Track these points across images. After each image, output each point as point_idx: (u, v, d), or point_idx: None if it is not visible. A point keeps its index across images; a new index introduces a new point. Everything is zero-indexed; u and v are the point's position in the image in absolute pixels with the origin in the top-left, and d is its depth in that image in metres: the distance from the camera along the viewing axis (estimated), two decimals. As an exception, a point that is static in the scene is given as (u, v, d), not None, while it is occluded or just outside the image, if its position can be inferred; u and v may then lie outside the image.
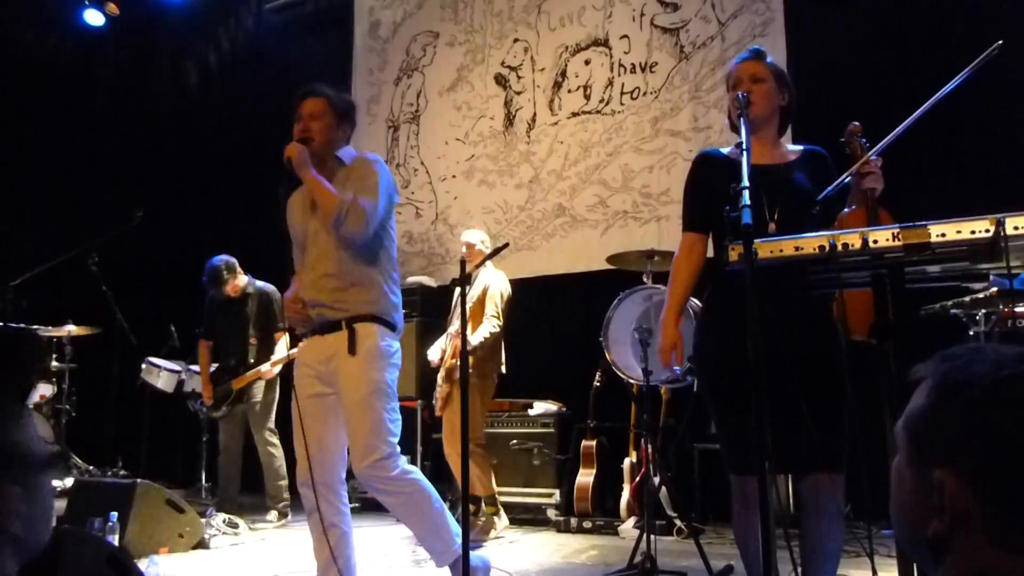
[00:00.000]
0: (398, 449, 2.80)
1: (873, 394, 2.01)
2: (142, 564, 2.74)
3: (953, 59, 5.06)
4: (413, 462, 5.55)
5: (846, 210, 2.26)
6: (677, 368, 2.46)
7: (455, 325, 4.87)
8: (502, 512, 4.94)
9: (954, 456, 0.86)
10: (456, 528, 2.85)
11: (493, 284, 4.90)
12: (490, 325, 4.78)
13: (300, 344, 3.04)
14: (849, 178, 2.22)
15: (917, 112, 2.12)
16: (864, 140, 2.30)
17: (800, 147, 2.56)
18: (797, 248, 1.79)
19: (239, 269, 5.46)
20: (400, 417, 2.85)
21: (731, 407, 2.32)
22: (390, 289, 2.88)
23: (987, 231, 1.64)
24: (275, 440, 5.37)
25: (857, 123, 2.34)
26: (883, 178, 2.22)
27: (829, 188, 2.21)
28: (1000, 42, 2.02)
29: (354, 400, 2.75)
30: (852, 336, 2.19)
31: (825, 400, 2.22)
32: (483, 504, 4.85)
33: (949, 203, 2.11)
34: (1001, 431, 0.84)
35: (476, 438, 4.86)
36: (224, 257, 5.43)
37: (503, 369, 5.00)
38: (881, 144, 2.21)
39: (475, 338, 4.69)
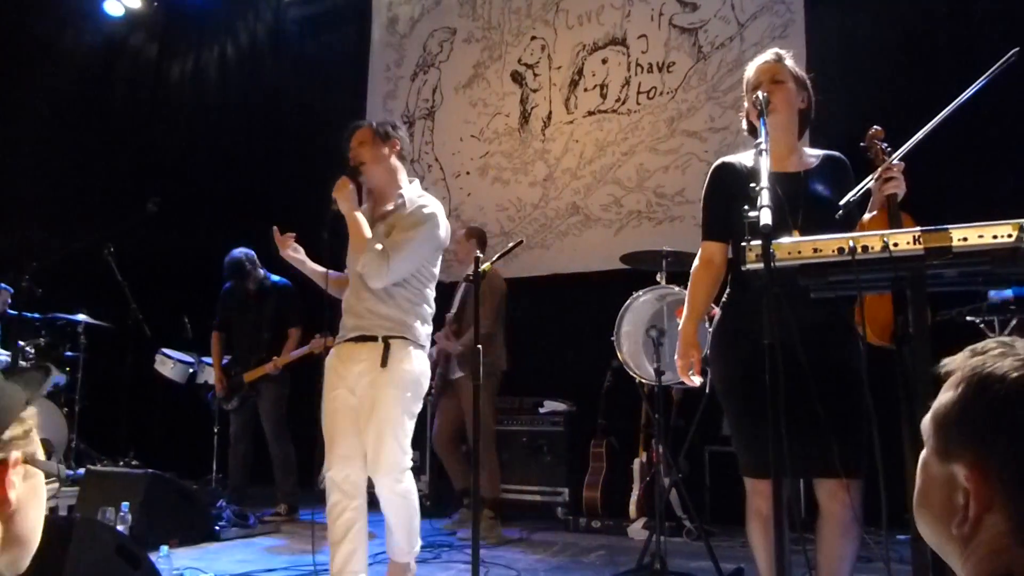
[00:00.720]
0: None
1: (891, 400, 1.99)
2: (152, 554, 2.75)
3: (974, 62, 5.00)
4: (422, 460, 5.57)
5: (867, 216, 2.24)
6: (696, 379, 2.45)
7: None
8: (498, 523, 4.78)
9: (980, 451, 0.86)
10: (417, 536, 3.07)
11: (489, 282, 4.90)
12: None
13: (332, 346, 3.22)
14: (871, 183, 2.20)
15: (937, 117, 2.10)
16: (885, 144, 2.28)
17: (819, 152, 2.53)
18: (816, 250, 1.78)
19: (258, 263, 5.48)
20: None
21: (747, 410, 2.30)
22: (421, 312, 3.09)
23: (1009, 236, 1.63)
24: (287, 434, 5.38)
25: (878, 127, 2.32)
26: (904, 183, 2.20)
27: (851, 193, 2.19)
28: (1017, 48, 1.99)
29: (381, 414, 2.91)
30: (873, 342, 2.18)
31: (842, 405, 2.20)
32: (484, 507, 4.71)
33: (972, 207, 2.09)
34: None
35: (492, 435, 4.88)
36: (244, 250, 5.45)
37: (504, 366, 5.01)
38: (902, 149, 2.19)
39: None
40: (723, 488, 4.86)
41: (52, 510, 3.94)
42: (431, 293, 3.16)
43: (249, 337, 5.44)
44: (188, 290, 6.98)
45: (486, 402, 4.80)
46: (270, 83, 7.99)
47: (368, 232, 3.03)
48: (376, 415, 2.90)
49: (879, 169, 2.19)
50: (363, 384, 2.97)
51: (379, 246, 2.98)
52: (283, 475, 5.34)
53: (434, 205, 3.12)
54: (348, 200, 3.07)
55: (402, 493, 2.94)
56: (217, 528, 4.42)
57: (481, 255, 4.80)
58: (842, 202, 2.16)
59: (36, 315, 6.44)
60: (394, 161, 3.18)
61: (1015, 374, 0.85)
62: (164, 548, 3.22)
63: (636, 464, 4.96)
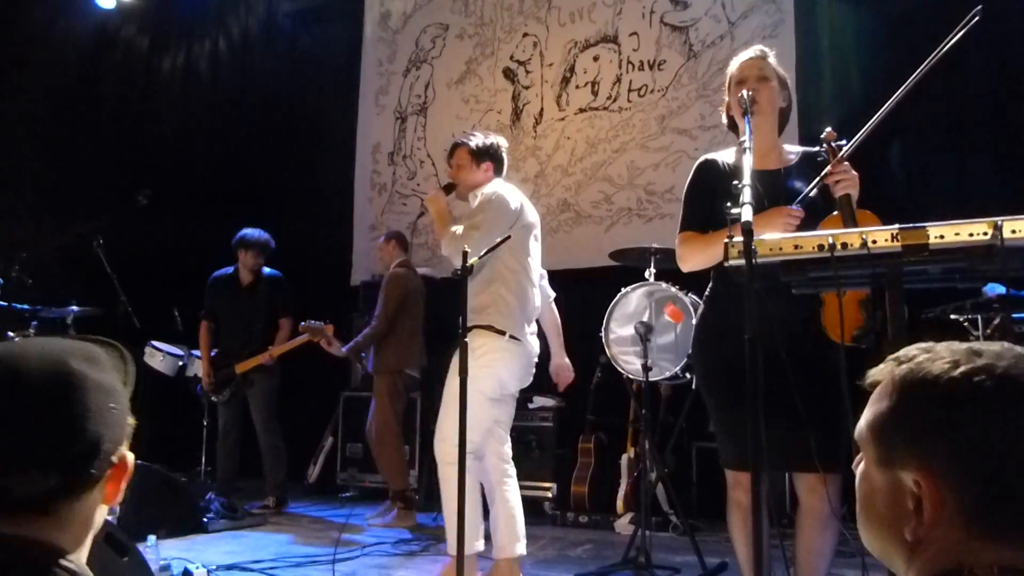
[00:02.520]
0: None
1: (866, 397, 2.02)
2: (140, 544, 2.77)
3: (964, 62, 5.05)
4: (413, 452, 5.59)
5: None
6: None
7: None
8: (413, 511, 5.00)
9: (925, 456, 0.88)
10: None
11: (387, 282, 5.16)
12: (368, 328, 5.07)
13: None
14: (822, 185, 2.23)
15: (887, 104, 2.12)
16: (841, 142, 2.29)
17: (798, 148, 2.56)
18: (796, 247, 1.81)
19: (267, 254, 5.49)
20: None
21: (727, 403, 2.33)
22: (503, 301, 3.29)
23: (985, 234, 1.66)
24: (277, 427, 5.39)
25: (830, 129, 2.33)
26: (856, 181, 2.21)
27: (801, 196, 2.23)
28: (979, 7, 2.02)
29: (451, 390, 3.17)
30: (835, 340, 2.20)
31: (822, 400, 2.23)
32: (396, 498, 4.98)
33: (949, 206, 2.12)
34: (967, 427, 0.86)
35: (390, 433, 5.05)
36: (265, 232, 5.45)
37: (417, 364, 5.24)
38: (848, 146, 2.21)
39: (350, 343, 5.06)
40: (709, 484, 4.90)
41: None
42: (513, 279, 3.31)
43: (241, 328, 5.42)
44: (178, 283, 6.98)
45: (384, 400, 5.05)
46: (262, 77, 7.98)
47: (448, 225, 3.36)
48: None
49: (823, 172, 2.22)
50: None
51: (454, 229, 3.31)
52: (273, 468, 5.35)
53: (497, 190, 3.36)
54: (435, 205, 3.47)
55: (447, 473, 3.15)
56: (205, 520, 4.43)
57: (405, 257, 5.23)
58: (795, 203, 2.19)
59: (25, 306, 6.43)
60: (488, 175, 3.48)
61: (947, 376, 0.88)
62: (151, 538, 3.24)
63: (624, 459, 5.00)
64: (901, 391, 0.91)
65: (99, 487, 0.97)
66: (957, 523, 0.86)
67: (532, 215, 3.48)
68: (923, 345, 0.93)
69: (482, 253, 3.00)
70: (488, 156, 3.49)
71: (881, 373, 0.95)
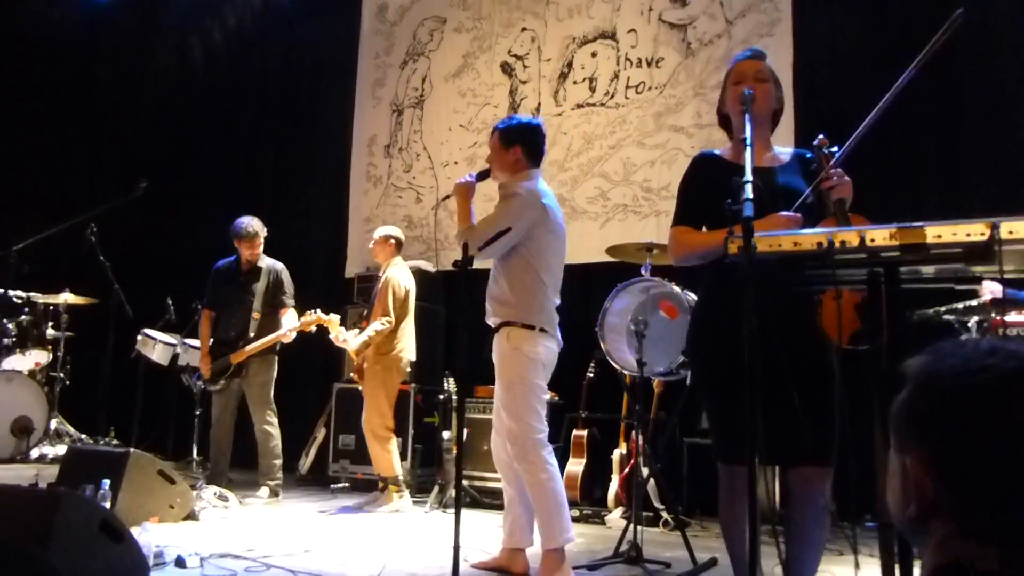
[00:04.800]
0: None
1: (860, 395, 2.04)
2: (134, 531, 2.77)
3: (962, 60, 5.09)
4: (404, 444, 5.61)
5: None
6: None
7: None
8: (405, 492, 5.16)
9: (920, 446, 0.91)
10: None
11: (391, 280, 5.19)
12: (377, 323, 5.10)
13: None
14: (818, 192, 2.25)
15: (875, 110, 2.14)
16: (833, 149, 2.31)
17: (789, 150, 2.59)
18: (795, 243, 1.82)
19: (262, 239, 5.47)
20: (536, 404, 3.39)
21: (723, 396, 2.35)
22: (532, 297, 3.38)
23: (982, 235, 1.67)
24: (273, 419, 5.38)
25: (823, 136, 2.36)
26: (849, 186, 2.24)
27: (798, 202, 2.25)
28: (961, 9, 2.04)
29: (500, 386, 3.40)
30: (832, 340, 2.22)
31: (816, 394, 2.25)
32: (387, 483, 5.11)
33: (947, 206, 2.14)
34: (962, 423, 0.88)
35: (382, 424, 5.11)
36: (255, 218, 5.44)
37: (412, 357, 5.30)
38: (840, 153, 2.24)
39: (360, 337, 5.11)
40: (700, 480, 4.93)
41: (32, 485, 3.94)
42: (538, 277, 3.39)
43: (239, 317, 5.41)
44: (172, 272, 6.97)
45: (380, 390, 5.13)
46: (258, 68, 7.96)
47: (470, 218, 3.46)
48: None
49: (817, 179, 2.24)
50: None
51: (472, 223, 3.42)
52: (267, 459, 5.33)
53: (523, 189, 3.41)
54: (460, 195, 3.50)
55: (530, 464, 3.32)
56: (197, 509, 4.44)
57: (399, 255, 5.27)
58: (792, 208, 2.21)
59: (19, 293, 6.41)
60: (516, 157, 3.50)
61: (954, 375, 0.89)
62: (145, 524, 3.24)
63: (616, 455, 5.02)
64: (914, 383, 0.94)
65: None
66: (950, 518, 0.88)
67: (558, 217, 3.50)
68: (958, 341, 0.95)
69: (480, 246, 3.04)
70: (517, 139, 3.50)
71: (914, 362, 0.97)
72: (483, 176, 3.56)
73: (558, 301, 3.51)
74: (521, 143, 3.49)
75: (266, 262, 5.51)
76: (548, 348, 3.40)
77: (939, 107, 4.91)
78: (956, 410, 0.88)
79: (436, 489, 5.25)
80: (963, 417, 0.88)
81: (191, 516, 4.38)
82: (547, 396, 3.80)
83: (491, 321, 3.47)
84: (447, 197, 3.64)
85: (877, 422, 1.91)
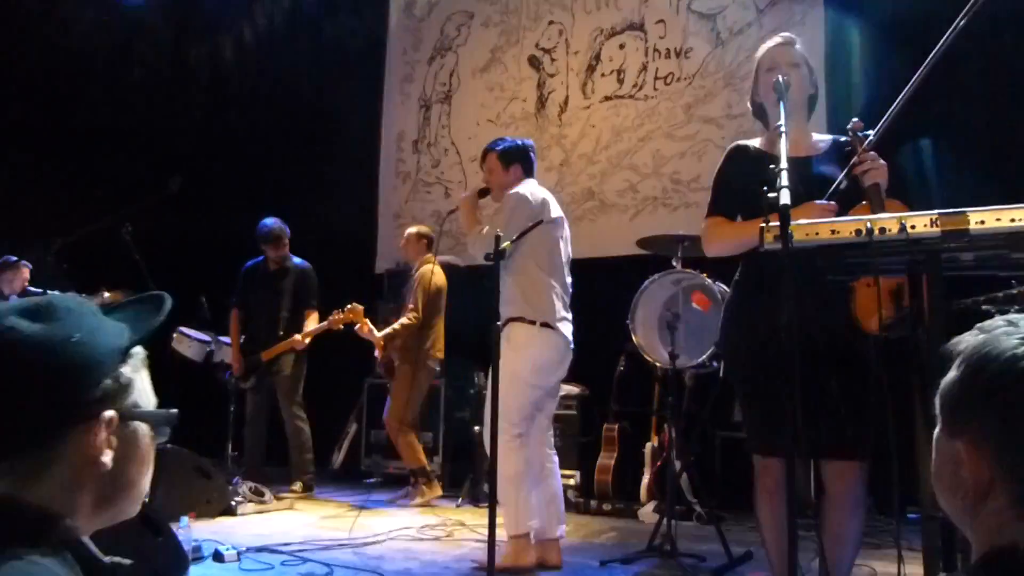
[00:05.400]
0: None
1: (902, 386, 2.01)
2: (172, 526, 2.81)
3: (994, 44, 4.97)
4: (436, 439, 5.63)
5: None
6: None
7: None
8: (435, 484, 5.24)
9: (975, 427, 0.88)
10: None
11: (422, 277, 5.26)
12: (404, 318, 5.19)
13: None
14: (851, 175, 2.21)
15: (908, 87, 2.10)
16: (867, 132, 2.27)
17: (828, 137, 2.55)
18: (833, 231, 1.79)
19: (287, 239, 5.53)
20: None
21: (759, 389, 2.32)
22: (534, 292, 3.49)
23: (1027, 220, 1.64)
24: (303, 414, 5.44)
25: (857, 120, 2.31)
26: (884, 170, 2.20)
27: (832, 187, 2.21)
28: None
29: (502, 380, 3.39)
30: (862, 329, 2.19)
31: (852, 387, 2.22)
32: (417, 476, 5.19)
33: (989, 191, 2.09)
34: (1020, 404, 0.85)
35: (406, 419, 5.19)
36: (277, 220, 5.50)
37: (439, 356, 5.38)
38: (874, 134, 2.19)
39: (385, 330, 5.18)
40: (733, 473, 4.88)
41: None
42: (541, 271, 3.50)
43: (268, 315, 5.47)
44: (206, 270, 7.04)
45: (404, 385, 5.21)
46: (287, 66, 8.01)
47: (475, 225, 3.62)
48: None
49: (850, 164, 2.20)
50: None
51: (479, 228, 3.57)
52: (299, 454, 5.40)
53: (519, 190, 3.55)
54: (464, 207, 3.71)
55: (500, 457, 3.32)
56: (233, 503, 4.49)
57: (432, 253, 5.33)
58: (826, 196, 2.18)
59: (57, 292, 6.51)
60: (517, 176, 3.68)
61: (1012, 351, 0.86)
62: (184, 520, 3.28)
63: (648, 448, 4.99)
64: (968, 361, 0.91)
65: (65, 448, 0.90)
66: (1003, 502, 0.86)
67: (557, 211, 3.62)
68: (1010, 317, 0.93)
69: (514, 237, 3.09)
70: (517, 159, 3.71)
71: (963, 341, 0.94)
72: (483, 194, 3.75)
73: (567, 298, 3.60)
74: (519, 162, 3.71)
75: (293, 262, 5.56)
76: (551, 343, 3.47)
77: (981, 83, 4.79)
78: (1017, 389, 0.85)
79: (468, 483, 5.26)
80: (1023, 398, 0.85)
81: (227, 511, 4.44)
82: (562, 390, 3.92)
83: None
84: (453, 211, 3.84)
85: (919, 412, 1.88)
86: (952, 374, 0.93)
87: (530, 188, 3.60)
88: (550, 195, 3.67)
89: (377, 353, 5.36)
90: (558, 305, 3.51)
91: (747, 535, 4.15)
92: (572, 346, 3.58)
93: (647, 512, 4.77)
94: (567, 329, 3.54)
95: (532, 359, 3.43)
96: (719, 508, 4.76)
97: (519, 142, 3.81)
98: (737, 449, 4.75)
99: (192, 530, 3.37)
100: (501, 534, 3.19)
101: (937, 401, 0.95)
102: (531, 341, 3.43)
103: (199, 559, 3.32)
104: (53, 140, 7.79)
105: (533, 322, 3.44)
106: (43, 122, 7.73)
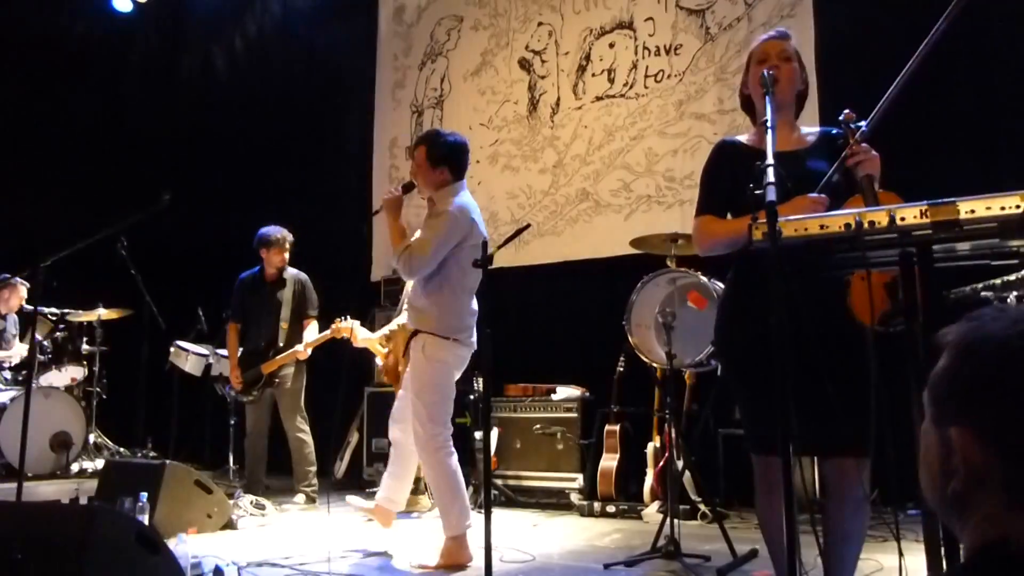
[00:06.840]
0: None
1: (900, 379, 1.98)
2: (171, 542, 2.78)
3: (985, 39, 4.96)
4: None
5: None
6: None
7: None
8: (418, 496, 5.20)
9: (969, 414, 0.86)
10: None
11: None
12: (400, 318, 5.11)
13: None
14: (843, 167, 2.18)
15: (901, 75, 2.07)
16: (860, 123, 2.24)
17: (816, 129, 2.52)
18: (822, 226, 1.77)
19: (289, 245, 5.50)
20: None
21: (755, 387, 2.29)
22: (450, 309, 3.61)
23: (1017, 207, 1.61)
24: (305, 426, 5.41)
25: (849, 111, 2.28)
26: (877, 161, 2.17)
27: (823, 180, 2.19)
28: None
29: (412, 389, 3.67)
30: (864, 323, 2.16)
31: (850, 382, 2.19)
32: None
33: (980, 180, 2.06)
34: (1015, 387, 0.83)
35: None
36: (280, 227, 5.48)
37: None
38: (866, 124, 2.17)
39: (379, 332, 5.08)
40: (737, 471, 4.86)
41: (73, 500, 3.99)
42: (456, 289, 3.60)
43: (267, 327, 5.44)
44: (201, 282, 7.03)
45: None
46: (279, 74, 8.01)
47: (401, 237, 3.67)
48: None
49: (842, 155, 2.17)
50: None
51: (407, 243, 3.60)
52: (301, 466, 5.37)
53: (455, 208, 3.58)
54: (389, 210, 3.74)
55: (430, 465, 3.60)
56: (234, 517, 4.46)
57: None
58: (817, 189, 2.15)
59: (53, 309, 6.50)
60: (443, 176, 3.68)
61: (1003, 335, 0.85)
62: (182, 536, 3.26)
63: (650, 448, 4.97)
64: (957, 348, 0.89)
65: None
66: (998, 489, 0.84)
67: (481, 232, 3.63)
68: (998, 306, 0.91)
69: (500, 244, 3.16)
70: (445, 160, 3.67)
71: (952, 330, 0.93)
72: (408, 188, 3.76)
73: (475, 305, 3.72)
74: (448, 164, 3.67)
75: (291, 272, 5.53)
76: (460, 356, 3.66)
77: (973, 72, 4.77)
78: (1010, 374, 0.84)
79: (470, 489, 5.23)
80: (1018, 380, 0.83)
81: (229, 525, 4.41)
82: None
83: (410, 326, 3.75)
84: (377, 212, 3.83)
85: (916, 404, 1.86)
86: (942, 362, 0.92)
87: (466, 208, 3.62)
88: (478, 211, 3.71)
89: (379, 360, 5.31)
90: (470, 322, 3.67)
91: (752, 533, 4.12)
92: (476, 347, 3.69)
93: (651, 513, 4.74)
94: (474, 337, 3.69)
95: (448, 369, 3.62)
96: (723, 506, 4.74)
97: (453, 139, 3.74)
98: (740, 446, 4.72)
99: (191, 546, 3.34)
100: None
101: (926, 391, 0.94)
102: (446, 355, 3.60)
103: (199, 576, 3.29)
104: (45, 154, 7.78)
105: (447, 337, 3.59)
106: (32, 137, 7.71)
